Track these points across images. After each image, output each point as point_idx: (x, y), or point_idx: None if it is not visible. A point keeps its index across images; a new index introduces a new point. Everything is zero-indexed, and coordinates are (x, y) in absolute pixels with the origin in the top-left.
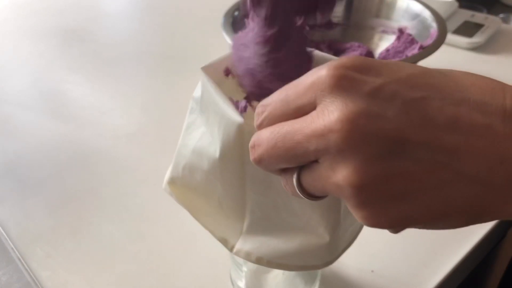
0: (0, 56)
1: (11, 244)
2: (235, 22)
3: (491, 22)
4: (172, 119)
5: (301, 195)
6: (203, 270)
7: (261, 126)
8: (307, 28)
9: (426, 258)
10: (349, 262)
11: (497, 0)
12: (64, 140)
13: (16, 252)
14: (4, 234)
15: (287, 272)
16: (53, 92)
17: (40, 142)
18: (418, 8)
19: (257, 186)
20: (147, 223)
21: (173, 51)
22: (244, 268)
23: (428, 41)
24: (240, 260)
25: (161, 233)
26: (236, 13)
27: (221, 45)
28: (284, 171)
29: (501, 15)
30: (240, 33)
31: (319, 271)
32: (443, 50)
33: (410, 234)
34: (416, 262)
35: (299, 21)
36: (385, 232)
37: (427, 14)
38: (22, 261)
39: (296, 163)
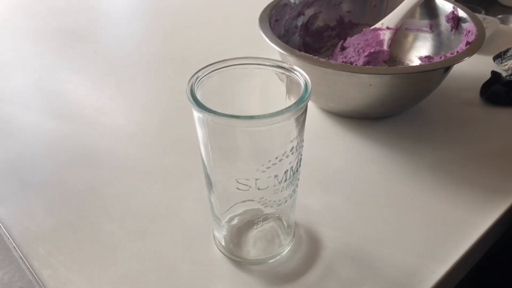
0: (1, 57)
1: (13, 243)
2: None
3: (490, 23)
4: (172, 119)
5: None
6: (204, 269)
7: None
8: None
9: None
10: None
11: (495, 1)
12: (65, 140)
13: (18, 251)
14: (6, 233)
15: (263, 227)
16: (54, 92)
17: (41, 142)
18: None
19: None
20: (148, 222)
21: (173, 52)
22: (222, 223)
23: (463, 38)
24: (218, 215)
25: (162, 232)
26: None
27: (221, 45)
28: None
29: (500, 16)
30: None
31: (293, 229)
32: None
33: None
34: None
35: None
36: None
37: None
38: (24, 260)
39: None
